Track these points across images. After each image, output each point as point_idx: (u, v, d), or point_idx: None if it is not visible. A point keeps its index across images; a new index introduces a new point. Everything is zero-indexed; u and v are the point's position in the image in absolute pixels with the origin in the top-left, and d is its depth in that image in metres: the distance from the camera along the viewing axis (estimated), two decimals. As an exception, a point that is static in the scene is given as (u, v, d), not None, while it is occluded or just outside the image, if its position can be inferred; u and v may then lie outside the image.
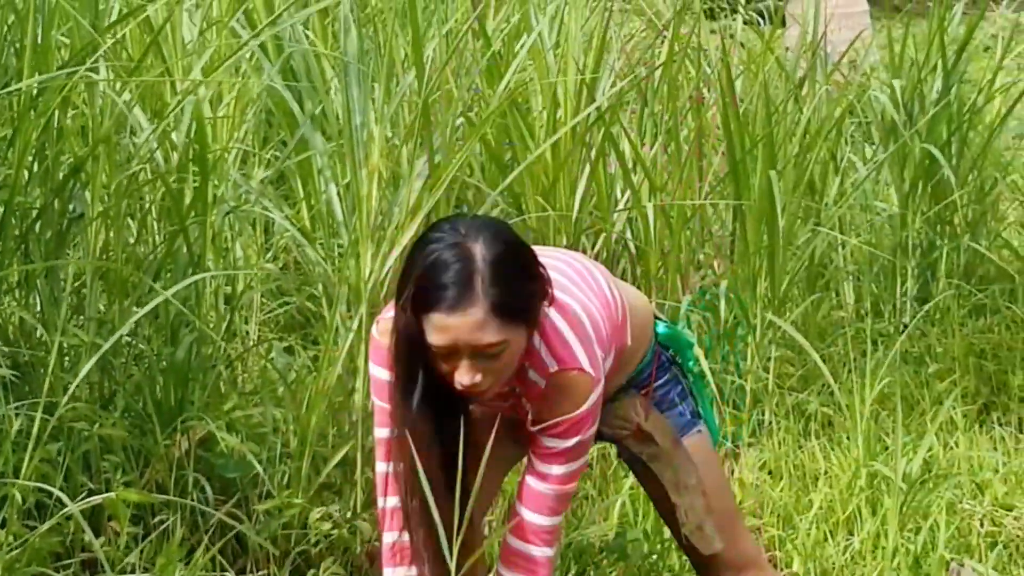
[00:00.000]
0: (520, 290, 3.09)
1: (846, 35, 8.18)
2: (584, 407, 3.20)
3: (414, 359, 3.13)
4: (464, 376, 3.07)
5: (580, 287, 3.33)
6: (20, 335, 4.25)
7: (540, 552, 3.29)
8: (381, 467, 3.35)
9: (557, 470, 3.25)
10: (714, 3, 9.97)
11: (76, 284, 4.37)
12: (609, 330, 3.34)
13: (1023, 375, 6.11)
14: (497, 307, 3.02)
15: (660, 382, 3.61)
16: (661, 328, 3.63)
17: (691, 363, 3.71)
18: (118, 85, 4.49)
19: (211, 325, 4.66)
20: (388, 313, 3.27)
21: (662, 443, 3.57)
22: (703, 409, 3.71)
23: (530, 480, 3.27)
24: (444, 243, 3.07)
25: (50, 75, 4.18)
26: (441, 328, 3.04)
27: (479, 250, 3.05)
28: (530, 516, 3.27)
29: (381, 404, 3.33)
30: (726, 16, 9.57)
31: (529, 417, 3.26)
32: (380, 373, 3.31)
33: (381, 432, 3.34)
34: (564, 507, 3.34)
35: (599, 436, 3.47)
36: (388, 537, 3.34)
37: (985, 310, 6.61)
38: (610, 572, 4.33)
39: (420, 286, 3.06)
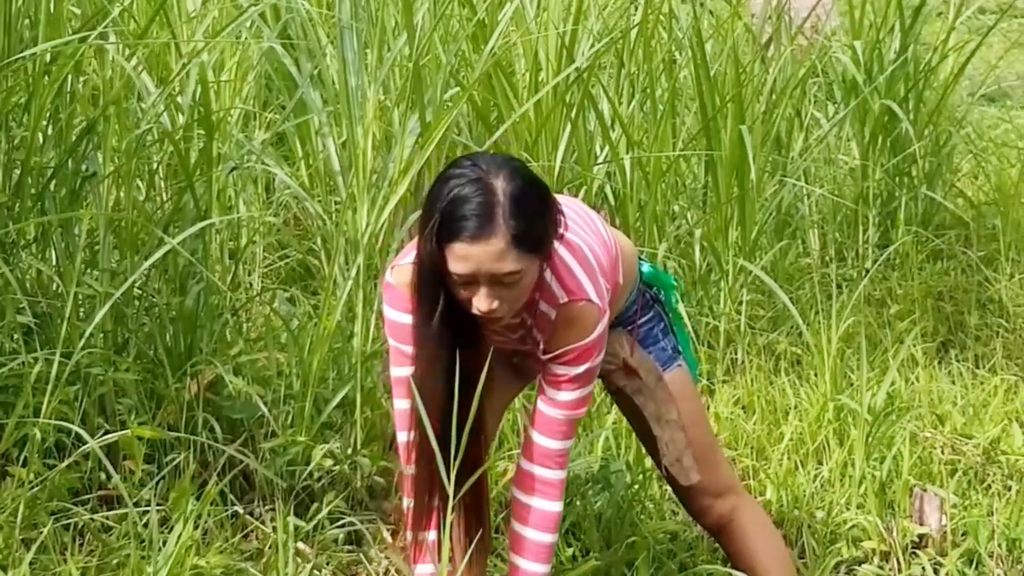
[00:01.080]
0: (537, 223, 3.09)
1: (808, 1, 8.14)
2: (592, 336, 3.22)
3: (435, 286, 3.12)
4: (482, 303, 3.07)
5: (582, 227, 3.34)
6: (38, 287, 4.22)
7: (553, 475, 3.32)
8: (400, 404, 3.36)
9: (567, 396, 3.27)
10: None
11: (89, 239, 4.33)
12: (608, 267, 3.33)
13: (978, 315, 6.11)
14: (516, 238, 3.02)
15: (644, 319, 3.62)
16: (646, 268, 3.64)
17: (673, 302, 3.73)
18: (126, 51, 4.44)
19: (217, 276, 4.63)
20: (402, 260, 3.26)
21: (646, 378, 3.57)
22: (682, 345, 3.72)
23: (542, 406, 3.29)
24: (466, 178, 3.06)
25: (62, 40, 4.14)
26: (463, 257, 3.04)
27: (500, 184, 3.04)
28: (542, 440, 3.29)
29: (397, 345, 3.32)
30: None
31: (540, 347, 3.26)
32: (396, 315, 3.30)
33: (398, 371, 3.34)
34: (574, 431, 3.36)
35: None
36: (408, 469, 3.34)
37: (942, 255, 6.60)
38: (595, 502, 4.31)
39: (444, 218, 3.05)
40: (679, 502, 4.02)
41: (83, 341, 3.85)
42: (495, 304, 3.08)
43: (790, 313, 5.36)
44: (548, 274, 3.20)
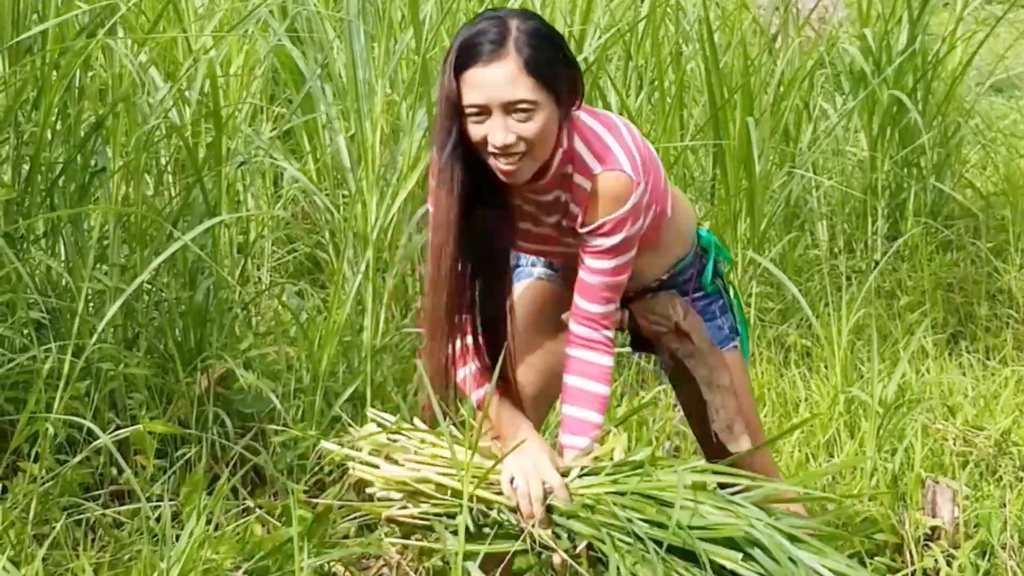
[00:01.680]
0: (551, 59, 3.10)
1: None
2: (626, 207, 3.21)
3: (452, 118, 3.11)
4: (497, 135, 3.06)
5: (625, 125, 3.34)
6: (48, 282, 4.23)
7: (599, 335, 3.33)
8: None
9: (606, 264, 3.27)
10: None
11: (99, 234, 4.34)
12: (649, 161, 3.33)
13: (988, 306, 6.10)
14: (528, 65, 3.05)
15: (702, 293, 3.59)
16: (704, 232, 3.63)
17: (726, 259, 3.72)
18: (134, 48, 4.45)
19: (226, 271, 4.64)
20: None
21: (698, 343, 3.53)
22: (740, 327, 3.68)
23: (582, 275, 3.29)
24: (483, 17, 3.12)
25: (72, 40, 4.15)
26: (476, 83, 3.05)
27: (515, 21, 3.10)
28: (585, 304, 3.30)
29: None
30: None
31: (579, 220, 3.25)
32: None
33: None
34: (616, 296, 3.34)
35: (639, 339, 3.59)
36: (460, 374, 3.37)
37: (951, 246, 6.61)
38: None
39: (460, 49, 3.08)
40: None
41: (95, 336, 3.85)
42: (511, 138, 3.06)
43: (800, 305, 5.36)
44: (581, 145, 3.20)
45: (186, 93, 4.66)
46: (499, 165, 3.11)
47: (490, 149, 3.09)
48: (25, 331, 3.97)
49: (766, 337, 5.52)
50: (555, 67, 3.11)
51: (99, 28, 4.23)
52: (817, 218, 6.47)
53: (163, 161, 4.79)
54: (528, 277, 3.56)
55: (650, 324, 3.52)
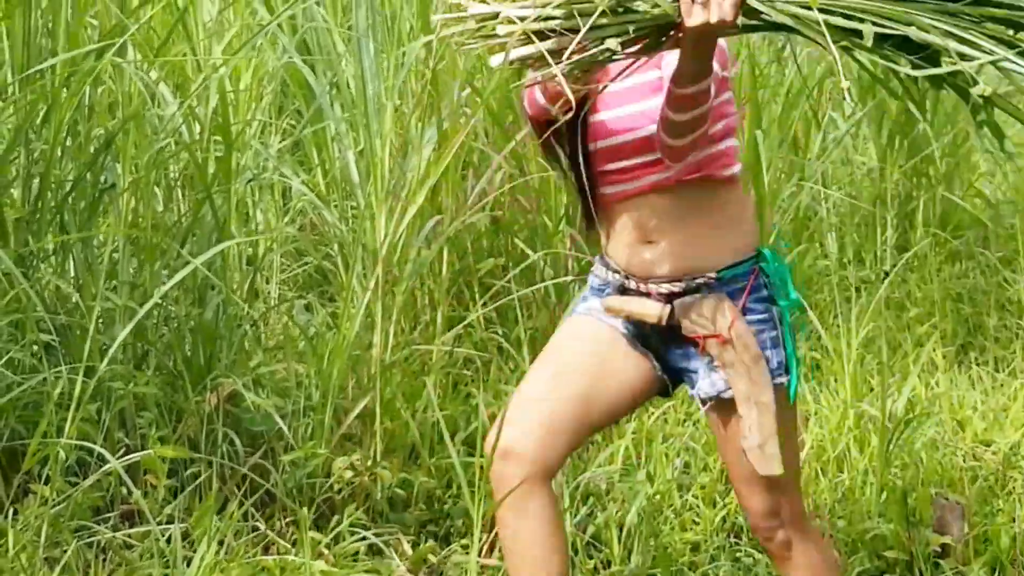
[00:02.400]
0: None
1: None
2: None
3: None
4: None
5: None
6: (57, 300, 4.24)
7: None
8: None
9: None
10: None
11: (108, 250, 4.36)
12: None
13: (997, 316, 6.11)
14: None
15: (755, 318, 3.38)
16: (770, 253, 3.45)
17: (784, 303, 3.45)
18: (145, 64, 4.47)
19: (235, 287, 4.65)
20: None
21: (741, 353, 3.33)
22: (791, 364, 3.44)
23: None
24: None
25: (81, 50, 4.17)
26: None
27: None
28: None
29: None
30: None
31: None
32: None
33: None
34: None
35: (674, 340, 3.40)
36: None
37: (960, 256, 6.61)
38: (616, 512, 4.33)
39: None
40: (745, 516, 3.76)
41: (106, 359, 3.86)
42: None
43: (809, 318, 5.37)
44: None
45: (196, 109, 4.66)
46: None
47: None
48: (35, 351, 3.99)
49: (776, 350, 5.52)
50: None
51: (109, 46, 4.24)
52: (826, 228, 6.48)
53: (173, 177, 4.80)
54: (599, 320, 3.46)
55: (692, 325, 3.35)
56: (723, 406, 3.39)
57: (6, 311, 3.96)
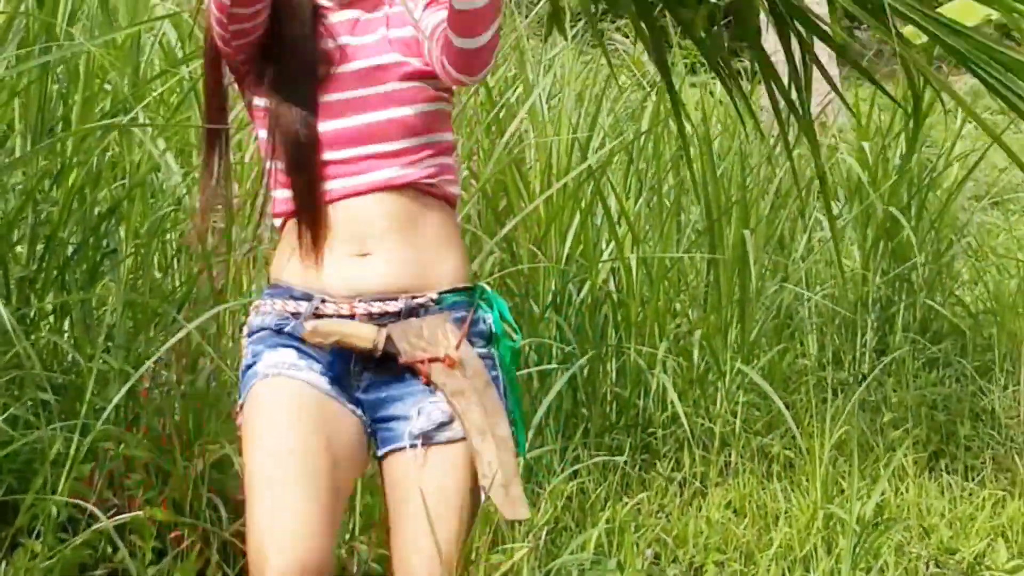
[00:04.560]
0: None
1: (817, 97, 8.38)
2: None
3: None
4: None
5: None
6: (54, 359, 4.42)
7: None
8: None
9: None
10: (695, 59, 10.17)
11: (104, 311, 4.54)
12: None
13: (970, 425, 6.31)
14: None
15: (478, 351, 3.02)
16: (487, 290, 3.14)
17: (508, 359, 3.11)
18: (154, 132, 4.67)
19: (228, 353, 4.82)
20: None
21: (472, 379, 2.96)
22: (516, 415, 3.07)
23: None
24: None
25: (94, 125, 4.36)
26: None
27: None
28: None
29: None
30: (706, 71, 9.76)
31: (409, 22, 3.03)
32: None
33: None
34: None
35: (393, 365, 2.97)
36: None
37: (938, 363, 6.82)
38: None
39: None
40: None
41: (102, 420, 4.03)
42: None
43: (784, 417, 5.56)
44: None
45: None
46: None
47: None
48: (31, 407, 4.15)
49: (750, 447, 5.72)
50: None
51: (121, 113, 4.45)
52: (807, 329, 6.69)
53: (172, 244, 4.98)
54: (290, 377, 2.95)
55: (412, 349, 2.96)
56: (436, 445, 2.96)
57: (4, 367, 4.13)
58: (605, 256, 6.02)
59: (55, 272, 4.43)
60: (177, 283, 4.85)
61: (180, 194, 4.74)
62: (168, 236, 4.88)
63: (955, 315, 7.13)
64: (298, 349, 2.98)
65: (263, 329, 3.01)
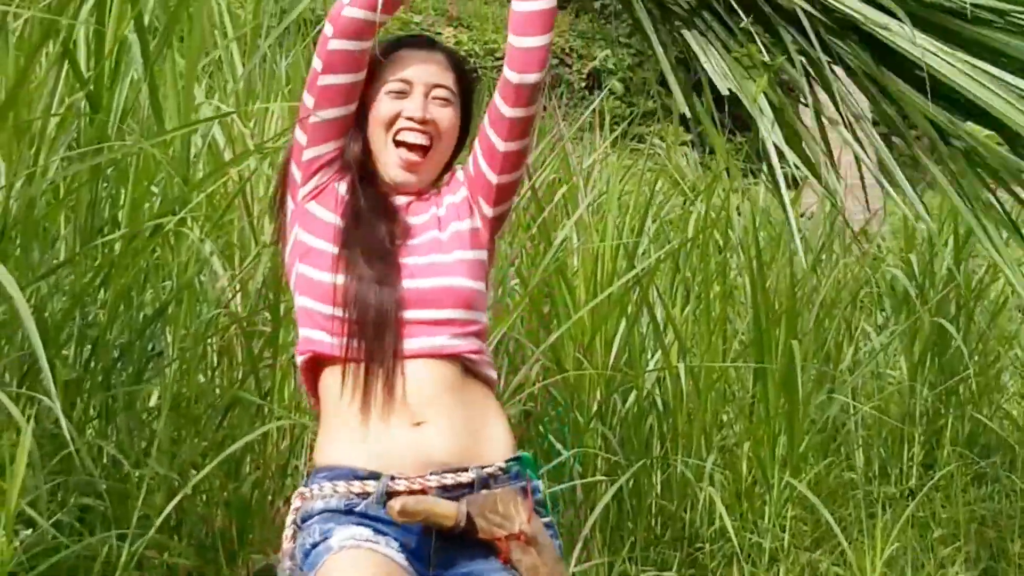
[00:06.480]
0: (471, 80, 3.31)
1: (861, 205, 8.43)
2: None
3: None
4: (417, 108, 3.18)
5: None
6: (98, 464, 4.44)
7: None
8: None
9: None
10: (735, 163, 10.23)
11: (150, 416, 4.58)
12: None
13: (1021, 543, 6.29)
14: (453, 64, 3.25)
15: (543, 521, 3.10)
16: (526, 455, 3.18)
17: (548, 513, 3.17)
18: (201, 234, 4.72)
19: (273, 463, 4.85)
20: None
21: (544, 554, 3.00)
22: None
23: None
24: None
25: (145, 225, 4.42)
26: (405, 60, 3.22)
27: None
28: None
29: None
30: (745, 176, 9.81)
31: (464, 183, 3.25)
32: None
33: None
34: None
35: (472, 541, 3.00)
36: None
37: (986, 478, 6.82)
38: None
39: (389, 41, 3.27)
40: None
41: (152, 530, 4.04)
42: (429, 113, 3.19)
43: (833, 532, 5.55)
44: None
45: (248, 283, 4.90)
46: (403, 155, 3.19)
47: (403, 124, 3.19)
48: (75, 507, 4.17)
49: (799, 563, 5.71)
50: (471, 86, 3.30)
51: (169, 214, 4.50)
52: (854, 441, 6.69)
53: (216, 344, 5.02)
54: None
55: (491, 526, 2.98)
56: None
57: (51, 471, 4.16)
58: (651, 365, 6.04)
59: (100, 375, 4.47)
60: (221, 388, 4.88)
61: (226, 298, 4.78)
62: (211, 340, 4.92)
63: (1003, 429, 7.13)
64: (373, 528, 2.96)
65: (328, 511, 2.99)
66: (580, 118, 7.88)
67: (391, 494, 2.95)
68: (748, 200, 7.71)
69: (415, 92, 3.20)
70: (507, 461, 3.05)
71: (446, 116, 3.22)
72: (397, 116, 3.20)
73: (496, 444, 3.06)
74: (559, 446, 5.43)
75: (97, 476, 4.34)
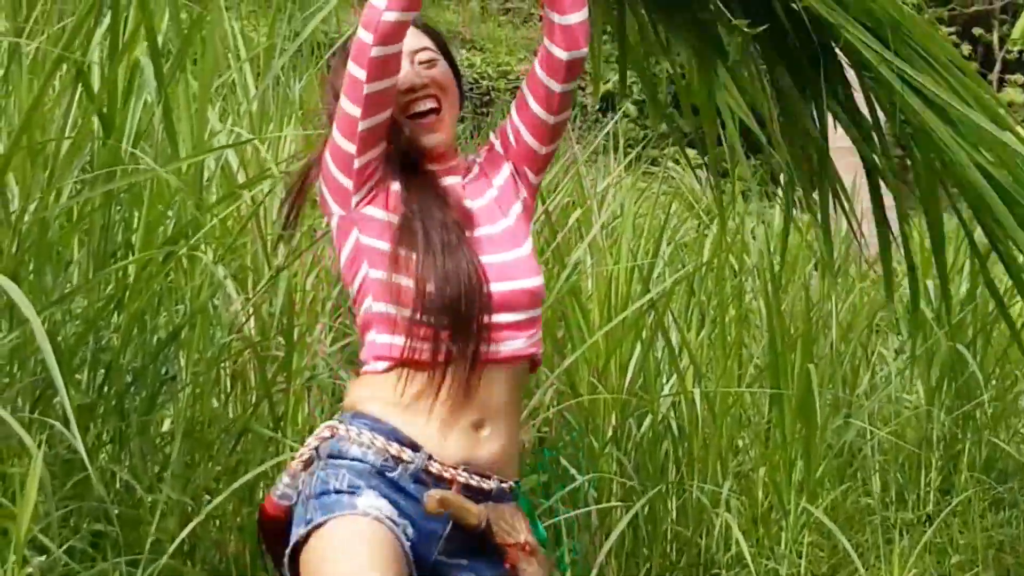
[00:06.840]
0: (437, 32, 3.31)
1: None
2: None
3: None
4: (410, 77, 3.17)
5: None
6: (110, 489, 4.43)
7: None
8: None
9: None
10: (746, 186, 10.22)
11: (163, 441, 4.57)
12: None
13: (1039, 570, 6.28)
14: (421, 26, 3.26)
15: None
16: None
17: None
18: (215, 258, 4.72)
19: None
20: None
21: (544, 566, 3.12)
22: None
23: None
24: None
25: (157, 251, 4.42)
26: None
27: None
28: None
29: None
30: (759, 199, 9.81)
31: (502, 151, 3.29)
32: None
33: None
34: None
35: (478, 542, 3.06)
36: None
37: (1004, 503, 6.79)
38: None
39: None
40: None
41: (166, 555, 4.04)
42: (422, 78, 3.18)
43: (851, 558, 5.53)
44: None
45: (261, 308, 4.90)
46: (421, 122, 3.20)
47: (407, 98, 3.19)
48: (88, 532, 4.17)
49: (816, 590, 5.71)
50: (443, 40, 3.31)
51: (182, 238, 4.51)
52: (871, 467, 6.67)
53: (230, 373, 5.01)
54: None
55: (504, 533, 3.07)
56: None
57: (63, 497, 4.16)
58: (666, 390, 6.03)
59: (113, 400, 4.47)
60: (235, 413, 4.87)
61: (240, 322, 4.78)
62: (225, 364, 4.92)
63: (1021, 454, 7.10)
64: (397, 505, 2.97)
65: (363, 462, 2.98)
66: (594, 141, 7.90)
67: (421, 475, 2.97)
68: (763, 223, 7.71)
69: (403, 64, 3.19)
70: (515, 482, 3.11)
71: (439, 71, 3.25)
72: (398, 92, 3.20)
73: (514, 464, 3.12)
74: (574, 471, 5.41)
75: (110, 501, 4.34)
